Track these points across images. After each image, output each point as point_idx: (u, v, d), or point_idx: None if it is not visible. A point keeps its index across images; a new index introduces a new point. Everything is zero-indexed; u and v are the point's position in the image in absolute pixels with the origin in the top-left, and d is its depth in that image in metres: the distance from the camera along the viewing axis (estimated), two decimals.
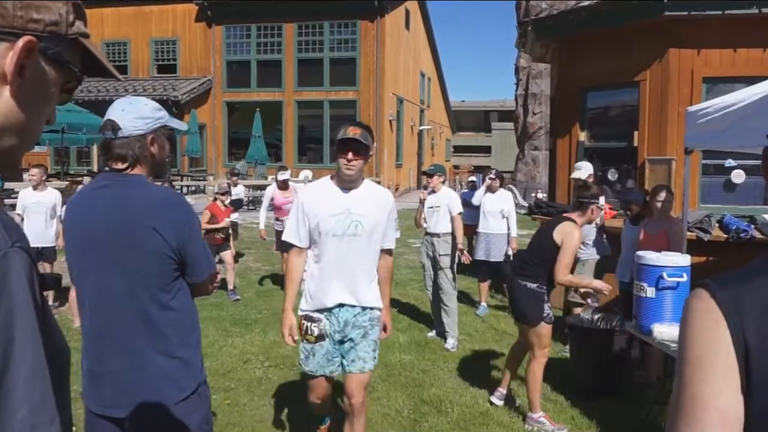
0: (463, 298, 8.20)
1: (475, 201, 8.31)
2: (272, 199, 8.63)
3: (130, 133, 2.13)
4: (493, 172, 8.31)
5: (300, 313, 3.44)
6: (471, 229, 10.91)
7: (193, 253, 2.16)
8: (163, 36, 24.65)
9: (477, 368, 5.73)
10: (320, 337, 3.38)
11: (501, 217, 7.85)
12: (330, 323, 3.39)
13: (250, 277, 9.96)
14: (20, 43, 0.81)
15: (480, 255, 7.93)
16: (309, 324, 3.38)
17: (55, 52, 0.87)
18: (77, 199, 2.28)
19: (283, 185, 8.64)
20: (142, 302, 2.09)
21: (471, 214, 10.58)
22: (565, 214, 4.63)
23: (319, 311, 3.39)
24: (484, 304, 7.97)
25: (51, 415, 0.78)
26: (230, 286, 8.43)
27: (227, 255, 8.37)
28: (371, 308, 3.43)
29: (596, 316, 5.45)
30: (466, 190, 12.68)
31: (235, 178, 10.32)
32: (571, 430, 4.57)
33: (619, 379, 5.15)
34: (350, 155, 3.24)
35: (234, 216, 9.85)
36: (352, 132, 3.22)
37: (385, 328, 3.58)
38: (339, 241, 3.31)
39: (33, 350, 0.77)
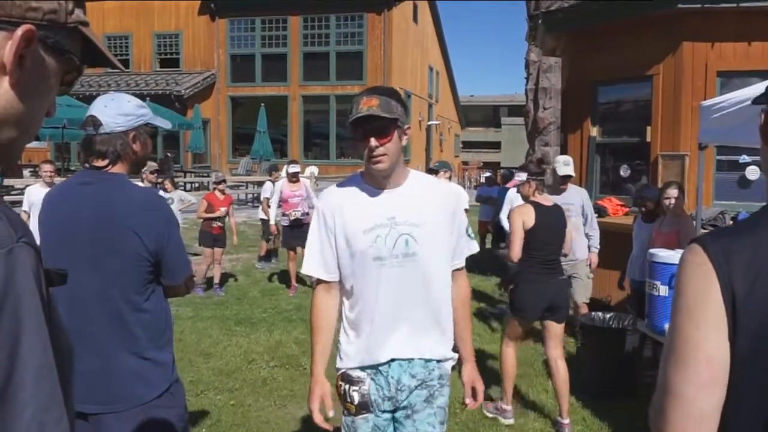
0: (472, 297, 8.08)
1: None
2: (280, 193, 8.65)
3: (111, 129, 2.14)
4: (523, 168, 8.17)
5: (337, 371, 2.40)
6: (486, 226, 10.83)
7: (171, 256, 2.17)
8: (165, 29, 24.59)
9: (486, 368, 5.64)
10: (363, 406, 2.30)
11: None
12: (377, 386, 2.30)
13: (255, 275, 9.89)
14: (19, 32, 0.79)
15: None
16: (347, 387, 2.33)
17: (54, 41, 0.85)
18: (56, 194, 2.28)
19: (293, 178, 8.66)
20: (116, 303, 2.11)
21: (486, 210, 10.51)
22: (540, 200, 4.50)
23: (363, 368, 2.31)
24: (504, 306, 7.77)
25: (59, 413, 0.77)
26: (216, 280, 8.46)
27: (218, 252, 8.41)
28: (440, 361, 2.35)
29: (608, 315, 5.38)
30: (483, 186, 12.58)
31: (276, 174, 10.37)
32: (583, 430, 4.51)
33: (631, 380, 5.08)
34: (372, 141, 2.16)
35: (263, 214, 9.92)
36: (367, 105, 2.14)
37: (474, 393, 2.51)
38: (384, 267, 2.24)
39: (41, 347, 0.76)
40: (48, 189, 7.06)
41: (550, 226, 4.42)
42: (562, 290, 4.48)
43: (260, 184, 18.57)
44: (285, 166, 8.97)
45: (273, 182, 10.06)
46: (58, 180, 7.61)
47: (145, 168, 6.67)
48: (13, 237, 0.78)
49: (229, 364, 5.70)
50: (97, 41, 0.92)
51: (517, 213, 4.45)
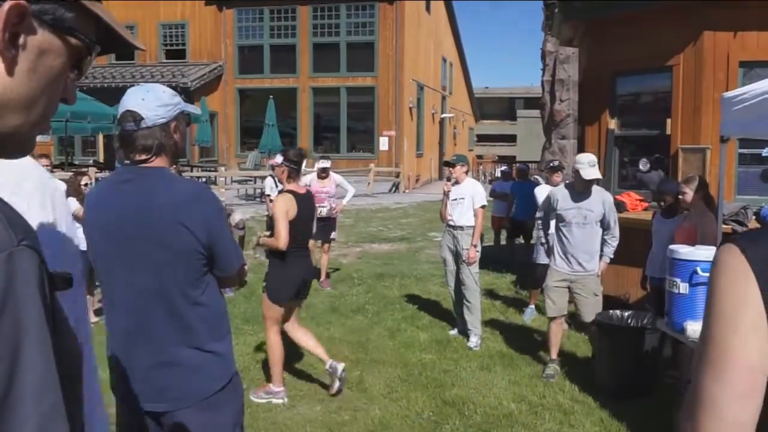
0: (487, 294, 8.01)
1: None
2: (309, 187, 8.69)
3: (153, 122, 2.09)
4: (556, 163, 7.86)
5: None
6: (500, 222, 10.72)
7: (223, 248, 2.18)
8: (171, 19, 24.42)
9: (501, 368, 5.61)
10: None
11: None
12: None
13: (263, 272, 9.77)
14: (5, 6, 0.72)
15: (542, 258, 6.79)
16: None
17: (53, 18, 0.77)
18: (99, 193, 2.29)
19: (323, 174, 8.64)
20: (172, 298, 2.12)
21: (500, 206, 10.42)
22: (294, 188, 4.79)
23: None
24: (532, 306, 7.44)
25: (63, 426, 0.73)
26: None
27: None
28: None
29: (626, 314, 5.29)
30: (499, 181, 12.46)
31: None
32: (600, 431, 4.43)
33: (650, 380, 5.01)
34: None
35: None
36: None
37: None
38: None
39: (43, 360, 0.72)
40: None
41: (306, 214, 4.77)
42: (313, 272, 5.04)
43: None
44: (315, 162, 8.92)
45: (274, 177, 9.98)
46: (58, 174, 7.54)
47: None
48: (13, 240, 0.73)
49: (236, 363, 5.59)
50: (108, 18, 0.84)
51: (282, 202, 4.65)
